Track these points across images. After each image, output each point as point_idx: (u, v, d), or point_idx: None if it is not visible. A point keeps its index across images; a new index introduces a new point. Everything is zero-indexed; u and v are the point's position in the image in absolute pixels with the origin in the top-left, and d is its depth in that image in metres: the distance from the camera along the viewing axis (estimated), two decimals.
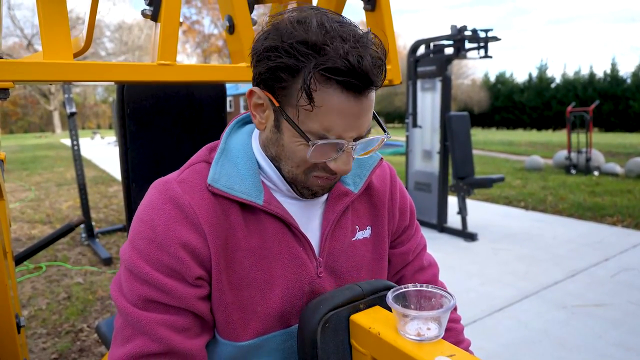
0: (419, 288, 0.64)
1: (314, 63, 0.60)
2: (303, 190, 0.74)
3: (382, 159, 0.86)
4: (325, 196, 0.80)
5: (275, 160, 0.73)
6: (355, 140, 0.67)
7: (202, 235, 0.68)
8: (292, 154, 0.69)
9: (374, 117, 0.71)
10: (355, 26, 0.65)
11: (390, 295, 0.61)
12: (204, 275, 0.69)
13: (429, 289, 0.63)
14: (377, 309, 0.68)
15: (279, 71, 0.63)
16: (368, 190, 0.86)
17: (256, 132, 0.78)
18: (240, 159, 0.74)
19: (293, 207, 0.76)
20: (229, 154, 0.75)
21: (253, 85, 0.70)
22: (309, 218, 0.78)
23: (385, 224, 0.87)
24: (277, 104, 0.66)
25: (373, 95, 0.66)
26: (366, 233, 0.84)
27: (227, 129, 0.80)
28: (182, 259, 0.67)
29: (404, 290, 0.63)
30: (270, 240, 0.73)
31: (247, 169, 0.73)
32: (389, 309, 0.63)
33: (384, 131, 0.74)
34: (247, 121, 0.83)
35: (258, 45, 0.66)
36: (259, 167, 0.75)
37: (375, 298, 0.69)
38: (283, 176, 0.74)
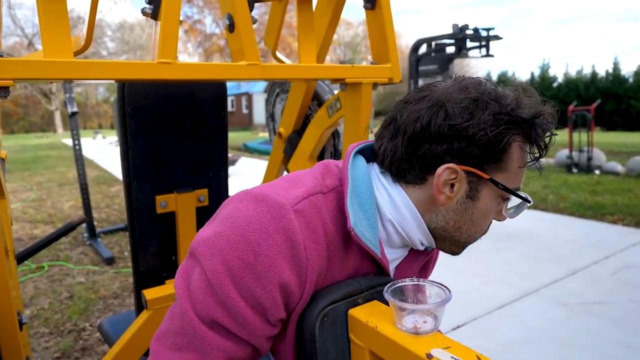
0: (415, 282, 0.64)
1: (533, 130, 0.66)
2: (460, 249, 0.76)
3: None
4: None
5: (447, 230, 0.71)
6: None
7: (302, 282, 0.63)
8: (482, 219, 0.71)
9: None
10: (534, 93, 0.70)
11: (387, 290, 0.62)
12: (284, 317, 0.66)
13: (426, 283, 0.64)
14: (375, 303, 0.69)
15: (495, 142, 0.65)
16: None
17: (403, 197, 0.71)
18: (368, 204, 0.69)
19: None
20: (357, 195, 0.69)
21: (440, 161, 0.66)
22: (390, 263, 0.77)
23: (427, 277, 0.89)
24: (486, 176, 0.67)
25: None
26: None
27: (349, 159, 0.71)
28: (276, 299, 0.62)
29: (401, 284, 0.64)
30: (359, 276, 0.73)
31: (373, 216, 0.69)
32: (387, 303, 0.64)
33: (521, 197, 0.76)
34: (360, 151, 0.76)
35: (462, 121, 0.65)
36: (380, 215, 0.71)
37: (373, 292, 0.69)
38: (456, 241, 0.74)
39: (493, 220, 0.74)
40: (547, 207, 5.66)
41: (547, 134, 0.68)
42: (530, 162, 0.68)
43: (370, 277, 0.72)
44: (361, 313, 0.66)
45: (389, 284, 0.63)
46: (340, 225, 0.67)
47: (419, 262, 0.81)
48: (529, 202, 0.71)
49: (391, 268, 0.77)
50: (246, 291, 0.61)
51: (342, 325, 0.67)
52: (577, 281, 3.27)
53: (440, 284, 0.63)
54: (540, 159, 0.70)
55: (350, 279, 0.72)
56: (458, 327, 2.64)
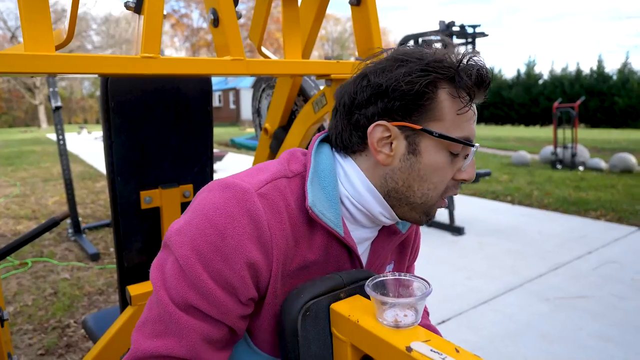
0: (397, 277, 0.65)
1: (452, 71, 0.67)
2: (422, 216, 0.74)
3: None
4: (376, 230, 0.79)
5: (400, 191, 0.72)
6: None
7: (269, 260, 0.66)
8: (432, 174, 0.70)
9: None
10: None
11: (369, 284, 0.62)
12: (256, 297, 0.68)
13: (407, 277, 0.65)
14: (357, 297, 0.69)
15: (419, 92, 0.66)
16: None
17: (355, 168, 0.74)
18: (329, 184, 0.72)
19: (354, 232, 0.77)
20: (319, 178, 0.73)
21: (371, 123, 0.70)
22: (360, 245, 0.78)
23: (405, 261, 0.90)
24: (417, 127, 0.68)
25: None
26: (389, 268, 0.87)
27: (314, 146, 0.75)
28: (243, 277, 0.65)
29: (382, 278, 0.65)
30: (331, 262, 0.74)
31: (333, 196, 0.72)
32: (369, 298, 0.65)
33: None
34: (324, 142, 0.80)
35: (378, 80, 0.68)
36: (348, 196, 0.74)
37: (356, 287, 0.70)
38: (409, 204, 0.73)
39: (462, 182, 0.74)
40: (531, 203, 5.74)
41: (477, 77, 0.67)
42: (463, 107, 0.68)
43: (352, 271, 0.73)
44: (343, 307, 0.66)
45: (370, 278, 0.64)
46: (304, 207, 0.70)
47: (393, 242, 0.82)
48: (473, 145, 0.70)
49: (362, 249, 0.79)
50: (216, 273, 0.64)
51: (324, 319, 0.67)
52: (560, 276, 3.33)
53: (421, 277, 0.64)
54: (474, 102, 0.70)
55: (333, 272, 0.72)
56: (443, 321, 2.68)
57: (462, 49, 0.70)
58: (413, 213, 0.74)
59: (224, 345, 0.69)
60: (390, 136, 0.69)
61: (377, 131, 0.69)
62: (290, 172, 0.72)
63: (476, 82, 0.67)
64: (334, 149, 0.77)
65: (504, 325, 2.61)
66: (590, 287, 3.11)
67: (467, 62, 0.67)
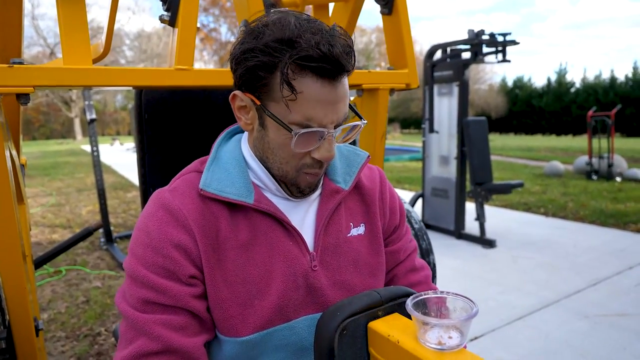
0: (439, 295, 0.62)
1: (289, 55, 0.66)
2: (292, 187, 0.78)
3: (369, 156, 0.90)
4: (317, 195, 0.83)
5: (263, 160, 0.77)
6: (335, 128, 0.71)
7: (191, 235, 0.72)
8: (278, 149, 0.73)
9: (350, 107, 0.76)
10: (322, 22, 0.70)
11: (409, 302, 0.59)
12: (197, 274, 0.73)
13: (450, 296, 0.61)
14: (396, 316, 0.66)
15: (257, 70, 0.68)
16: (359, 190, 0.89)
17: (245, 135, 0.82)
18: (231, 164, 0.78)
19: (285, 206, 0.80)
20: (220, 161, 0.79)
21: (234, 90, 0.75)
22: (303, 216, 0.81)
23: (377, 221, 0.89)
24: (258, 102, 0.71)
25: (346, 81, 0.71)
26: (360, 230, 0.87)
27: (217, 141, 0.83)
28: (175, 258, 0.70)
29: (424, 297, 0.61)
30: (261, 236, 0.76)
31: (237, 172, 0.77)
32: (409, 316, 0.62)
33: (360, 118, 0.78)
34: (235, 132, 0.87)
35: (235, 51, 0.72)
36: (249, 168, 0.79)
37: (394, 305, 0.67)
38: (273, 176, 0.78)
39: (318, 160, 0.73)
40: (566, 215, 5.53)
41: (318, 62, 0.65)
42: (287, 95, 0.67)
43: (391, 287, 0.70)
44: (382, 326, 0.63)
45: (411, 297, 0.61)
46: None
47: (336, 200, 0.83)
48: (290, 130, 0.69)
49: (301, 216, 0.81)
50: (152, 265, 0.70)
51: (361, 338, 0.65)
52: (599, 292, 3.18)
53: (465, 296, 0.60)
54: (296, 90, 0.67)
55: (370, 289, 0.70)
56: (476, 337, 2.58)
57: (324, 27, 0.68)
58: (282, 184, 0.78)
59: (195, 331, 0.73)
60: (245, 106, 0.75)
61: (235, 100, 0.75)
62: (202, 168, 0.79)
63: (315, 69, 0.66)
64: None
65: (540, 343, 2.49)
66: (632, 304, 2.95)
67: (313, 45, 0.65)
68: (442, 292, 0.62)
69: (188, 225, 0.72)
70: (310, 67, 0.66)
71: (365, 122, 0.78)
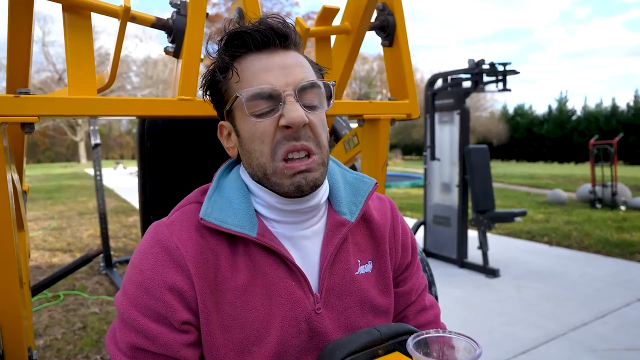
0: (441, 334, 0.60)
1: (220, 49, 0.73)
2: (282, 182, 0.70)
3: (376, 184, 0.83)
4: (322, 229, 0.77)
5: (252, 174, 0.75)
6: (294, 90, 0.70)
7: (188, 277, 0.67)
8: (252, 143, 0.71)
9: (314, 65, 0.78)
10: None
11: (410, 342, 0.58)
12: (191, 320, 0.68)
13: (453, 336, 0.60)
14: (397, 355, 0.64)
15: (214, 78, 0.74)
16: (368, 223, 0.83)
17: (243, 171, 0.80)
18: (233, 193, 0.75)
19: (290, 242, 0.75)
20: (222, 190, 0.76)
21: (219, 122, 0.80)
22: (307, 253, 0.75)
23: (387, 261, 0.83)
24: (224, 111, 0.75)
25: (295, 52, 0.73)
26: (368, 267, 0.80)
27: (218, 172, 0.81)
28: (168, 302, 0.66)
29: (425, 336, 0.60)
30: (262, 275, 0.71)
31: (241, 202, 0.73)
32: (409, 356, 0.60)
33: (321, 74, 0.79)
34: (235, 164, 0.85)
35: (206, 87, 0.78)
36: (252, 194, 0.76)
37: (395, 343, 0.65)
38: (265, 186, 0.73)
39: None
40: (570, 244, 5.47)
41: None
42: (234, 79, 0.72)
43: (391, 325, 0.69)
44: None
45: (412, 336, 0.59)
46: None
47: (342, 234, 0.77)
48: (237, 96, 0.71)
49: (303, 254, 0.75)
50: (144, 307, 0.66)
51: None
52: (607, 324, 3.10)
53: (468, 337, 0.59)
54: (235, 69, 0.73)
55: (369, 327, 0.68)
56: None
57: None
58: (277, 187, 0.72)
59: None
60: (228, 131, 0.78)
61: (221, 130, 0.79)
62: (202, 198, 0.76)
63: (245, 45, 0.71)
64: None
65: None
66: None
67: (238, 29, 0.71)
68: (444, 332, 0.61)
69: (185, 266, 0.67)
70: (239, 46, 0.71)
71: (334, 82, 0.77)
